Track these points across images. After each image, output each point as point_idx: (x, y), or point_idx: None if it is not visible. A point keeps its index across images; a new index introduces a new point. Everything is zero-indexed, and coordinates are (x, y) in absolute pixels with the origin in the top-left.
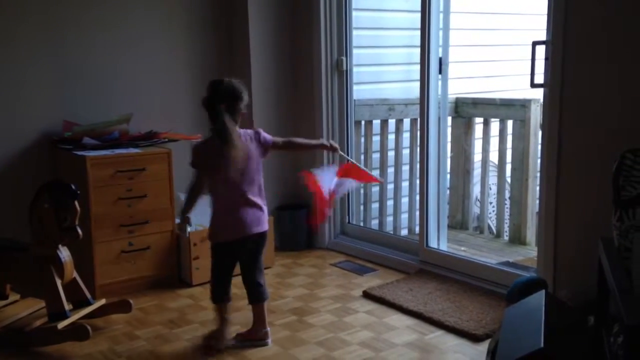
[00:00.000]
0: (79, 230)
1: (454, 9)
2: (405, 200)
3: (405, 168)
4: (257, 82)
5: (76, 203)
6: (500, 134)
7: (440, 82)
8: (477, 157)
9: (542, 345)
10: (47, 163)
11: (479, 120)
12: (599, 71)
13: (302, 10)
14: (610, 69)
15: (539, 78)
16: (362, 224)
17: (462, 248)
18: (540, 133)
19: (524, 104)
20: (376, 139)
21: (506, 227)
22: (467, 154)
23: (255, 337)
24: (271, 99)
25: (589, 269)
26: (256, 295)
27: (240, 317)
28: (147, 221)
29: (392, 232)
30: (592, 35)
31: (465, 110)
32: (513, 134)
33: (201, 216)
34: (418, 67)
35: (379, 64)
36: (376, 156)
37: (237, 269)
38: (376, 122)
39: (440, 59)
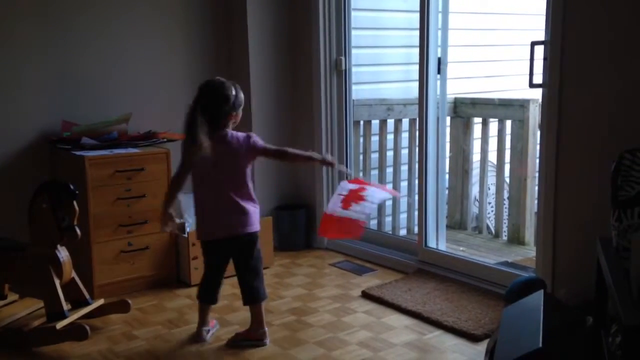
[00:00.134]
0: (78, 230)
1: (453, 9)
2: (404, 200)
3: (404, 168)
4: (256, 82)
5: (75, 203)
6: (498, 134)
7: (439, 82)
8: (476, 157)
9: (540, 345)
10: (46, 163)
11: (477, 120)
12: (597, 71)
13: (301, 10)
14: (609, 69)
15: (538, 78)
16: None
17: (461, 248)
18: (538, 133)
19: (523, 104)
20: (375, 139)
21: (505, 227)
22: (466, 154)
23: (253, 337)
24: (270, 99)
25: (588, 269)
26: (248, 297)
27: (239, 316)
28: (145, 221)
29: (390, 232)
30: (591, 35)
31: (464, 110)
32: (512, 134)
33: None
34: (417, 67)
35: (378, 64)
36: (375, 156)
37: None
38: (375, 122)
39: (439, 59)
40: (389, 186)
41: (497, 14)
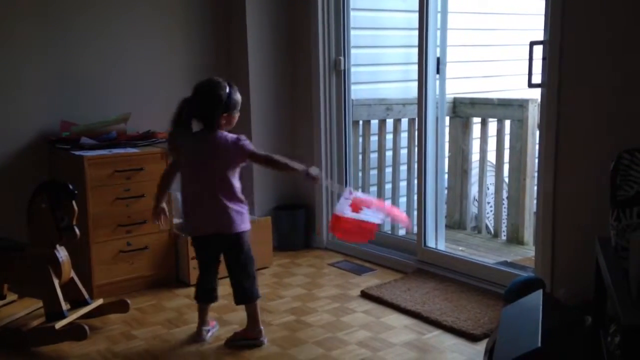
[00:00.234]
0: (77, 230)
1: (452, 9)
2: (403, 200)
3: (403, 168)
4: (255, 81)
5: (74, 203)
6: (498, 134)
7: (438, 82)
8: (475, 157)
9: (539, 344)
10: (45, 163)
11: (476, 120)
12: (596, 71)
13: (300, 10)
14: (608, 69)
15: (537, 78)
16: None
17: (460, 248)
18: (537, 133)
19: (522, 104)
20: (374, 139)
21: (504, 227)
22: (465, 154)
23: (250, 336)
24: (269, 99)
25: (587, 269)
26: (240, 297)
27: (239, 316)
28: (145, 221)
29: (390, 232)
30: (590, 35)
31: (463, 110)
32: (511, 134)
33: None
34: (416, 67)
35: (377, 63)
36: (374, 156)
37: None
38: (374, 122)
39: (438, 59)
40: (388, 186)
41: (496, 14)
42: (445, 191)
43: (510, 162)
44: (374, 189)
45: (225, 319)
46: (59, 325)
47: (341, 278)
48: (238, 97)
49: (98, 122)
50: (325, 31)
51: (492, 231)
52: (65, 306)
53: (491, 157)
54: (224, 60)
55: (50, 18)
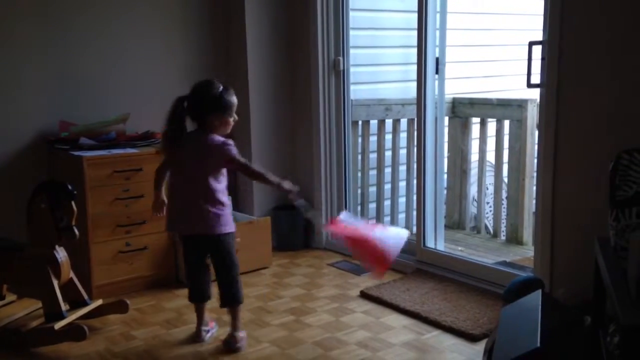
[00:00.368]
0: (76, 231)
1: (451, 9)
2: (402, 200)
3: (403, 168)
4: (254, 82)
5: (73, 203)
6: (497, 134)
7: (437, 82)
8: (474, 157)
9: (538, 345)
10: (44, 163)
11: (475, 120)
12: (595, 71)
13: (299, 10)
14: (607, 69)
15: (536, 78)
16: None
17: (459, 248)
18: (537, 133)
19: (521, 104)
20: (373, 139)
21: (503, 227)
22: (464, 154)
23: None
24: (268, 99)
25: (586, 269)
26: (222, 300)
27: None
28: (144, 221)
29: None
30: (589, 35)
31: (462, 110)
32: (510, 134)
33: None
34: (415, 67)
35: (376, 64)
36: (373, 156)
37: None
38: (373, 122)
39: (437, 59)
40: (387, 186)
41: (495, 14)
42: (445, 191)
43: (509, 162)
44: (373, 189)
45: (225, 319)
46: (58, 325)
47: (340, 278)
48: (232, 99)
49: (97, 122)
50: (324, 31)
51: (491, 231)
52: (64, 307)
53: (490, 157)
54: (223, 61)
55: (49, 18)
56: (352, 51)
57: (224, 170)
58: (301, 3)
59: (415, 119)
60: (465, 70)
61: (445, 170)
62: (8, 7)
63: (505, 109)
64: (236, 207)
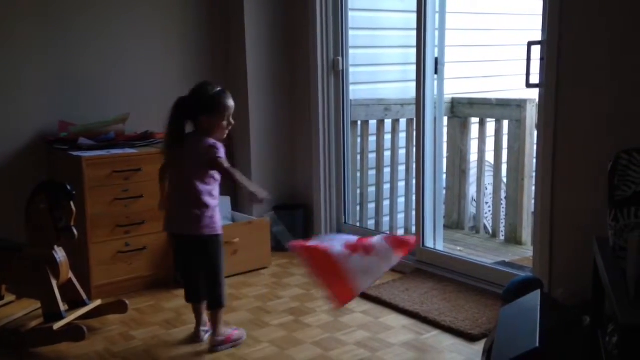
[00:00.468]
0: (75, 231)
1: (450, 9)
2: (401, 200)
3: (402, 168)
4: (253, 82)
5: (72, 203)
6: (496, 134)
7: (436, 82)
8: (473, 157)
9: (537, 344)
10: (44, 163)
11: (474, 120)
12: (594, 71)
13: (298, 10)
14: (606, 69)
15: (535, 78)
16: (358, 224)
17: (458, 248)
18: (535, 133)
19: (520, 104)
20: (372, 139)
21: (502, 227)
22: (463, 154)
23: (228, 340)
24: (267, 99)
25: (585, 269)
26: (207, 301)
27: (237, 317)
28: (143, 221)
29: (388, 232)
30: (587, 35)
31: (461, 111)
32: (509, 134)
33: None
34: (414, 67)
35: (375, 64)
36: (372, 156)
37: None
38: (372, 122)
39: (436, 59)
40: (386, 186)
41: (494, 14)
42: (444, 191)
43: (508, 162)
44: (372, 189)
45: (224, 319)
46: (57, 326)
47: None
48: (227, 102)
49: (96, 122)
50: (323, 31)
51: (491, 231)
52: (63, 307)
53: (489, 157)
54: (223, 61)
55: (49, 18)
56: (351, 51)
57: (215, 174)
58: (300, 3)
59: (415, 119)
60: (465, 70)
61: (445, 170)
62: (7, 8)
63: (504, 109)
64: (235, 207)
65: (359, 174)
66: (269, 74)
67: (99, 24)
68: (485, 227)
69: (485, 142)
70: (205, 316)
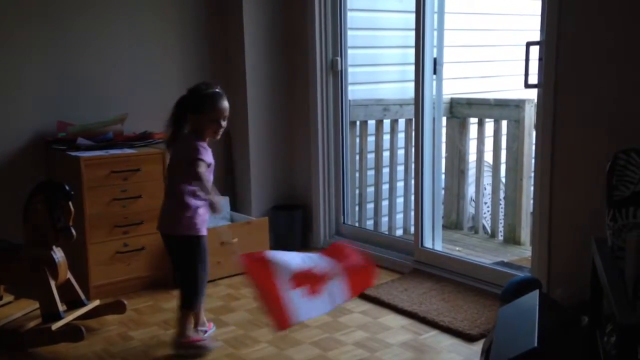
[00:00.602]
0: (73, 231)
1: (448, 10)
2: (400, 201)
3: (400, 168)
4: (252, 82)
5: (70, 204)
6: (494, 134)
7: (434, 83)
8: (472, 157)
9: (535, 344)
10: (41, 163)
11: (473, 120)
12: (592, 72)
13: (297, 10)
14: (604, 69)
15: (533, 78)
16: (357, 224)
17: (457, 248)
18: (534, 133)
19: (518, 105)
20: (371, 139)
21: (501, 227)
22: (462, 154)
23: (192, 341)
24: (266, 100)
25: (583, 269)
26: (179, 301)
27: (236, 317)
28: (141, 222)
29: (387, 232)
30: (586, 35)
31: (459, 111)
32: (507, 134)
33: None
34: (413, 67)
35: (374, 64)
36: (371, 156)
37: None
38: (371, 123)
39: (434, 60)
40: (385, 187)
41: (493, 15)
42: (442, 191)
43: (507, 163)
44: (371, 189)
45: (223, 319)
46: (55, 326)
47: None
48: (219, 103)
49: (95, 122)
50: (322, 31)
51: (489, 231)
52: (61, 307)
53: (488, 157)
54: (221, 61)
55: (48, 19)
56: (350, 51)
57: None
58: (299, 3)
59: (413, 119)
60: (463, 70)
61: (443, 170)
62: (7, 8)
63: (502, 109)
64: (234, 207)
65: (357, 174)
66: (268, 74)
67: (98, 25)
68: (484, 227)
69: (484, 142)
70: (204, 316)
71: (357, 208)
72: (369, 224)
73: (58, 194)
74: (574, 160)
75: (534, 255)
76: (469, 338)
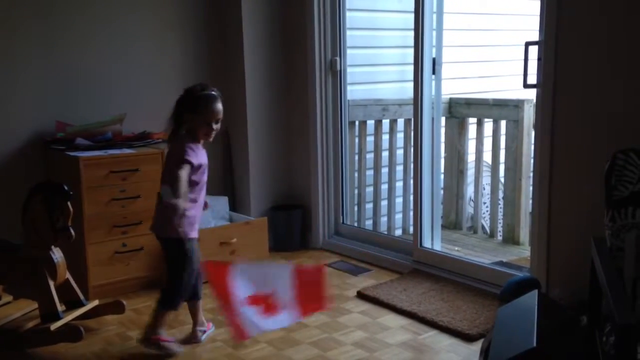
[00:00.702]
0: (72, 231)
1: (447, 10)
2: (399, 201)
3: (399, 168)
4: (251, 82)
5: (69, 204)
6: (493, 134)
7: (433, 83)
8: (471, 157)
9: (534, 344)
10: (40, 164)
11: (472, 120)
12: (591, 71)
13: (296, 10)
14: (603, 70)
15: (532, 78)
16: (356, 224)
17: (456, 248)
18: (533, 133)
19: (517, 104)
20: (370, 139)
21: (500, 227)
22: (461, 154)
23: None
24: (265, 100)
25: (582, 269)
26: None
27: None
28: (140, 222)
29: (386, 232)
30: (584, 35)
31: (458, 111)
32: (506, 134)
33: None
34: (412, 67)
35: (373, 64)
36: (370, 156)
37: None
38: (370, 123)
39: (433, 60)
40: (384, 187)
41: (492, 15)
42: (441, 191)
43: (506, 162)
44: (370, 189)
45: (222, 320)
46: (54, 326)
47: (337, 278)
48: (212, 105)
49: (94, 122)
50: (321, 32)
51: (488, 231)
52: (60, 307)
53: (487, 157)
54: (220, 61)
55: (46, 19)
56: (349, 51)
57: (191, 177)
58: (298, 3)
59: (412, 119)
60: (462, 70)
61: (442, 170)
62: (6, 9)
63: (501, 109)
64: (233, 207)
65: (356, 174)
66: (267, 74)
67: (97, 25)
68: (482, 227)
69: (482, 142)
70: (202, 316)
71: (356, 208)
72: (368, 224)
73: (57, 194)
74: (572, 160)
75: (532, 255)
76: (468, 338)
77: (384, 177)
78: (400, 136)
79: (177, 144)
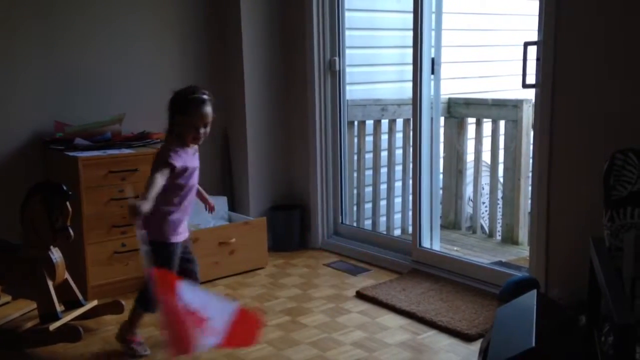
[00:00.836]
0: (71, 231)
1: (446, 10)
2: (398, 201)
3: (398, 168)
4: (250, 82)
5: (68, 204)
6: (492, 134)
7: (432, 83)
8: (470, 157)
9: (533, 344)
10: (39, 164)
11: (471, 120)
12: (590, 72)
13: (295, 10)
14: (602, 69)
15: (531, 78)
16: (355, 224)
17: (455, 248)
18: (532, 133)
19: (516, 104)
20: (369, 139)
21: (499, 227)
22: (460, 154)
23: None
24: (264, 100)
25: (581, 269)
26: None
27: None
28: None
29: (385, 232)
30: (583, 35)
31: (457, 111)
32: (505, 134)
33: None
34: (411, 67)
35: (372, 64)
36: (369, 156)
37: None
38: (369, 123)
39: (432, 60)
40: (383, 187)
41: (491, 15)
42: (440, 191)
43: (504, 162)
44: (369, 189)
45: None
46: (53, 326)
47: (336, 278)
48: (200, 108)
49: (93, 122)
50: (320, 32)
51: (487, 231)
52: (59, 307)
53: (486, 157)
54: (219, 61)
55: (45, 19)
56: (348, 51)
57: (174, 181)
58: (297, 3)
59: (411, 119)
60: (461, 70)
61: (441, 170)
62: (5, 9)
63: (500, 109)
64: (232, 207)
65: (355, 174)
66: (266, 74)
67: (97, 25)
68: (481, 227)
69: (481, 142)
70: None
71: (355, 208)
72: (367, 223)
73: (56, 194)
74: (571, 160)
75: (531, 255)
76: (467, 338)
77: (383, 177)
78: (399, 136)
79: (162, 146)
